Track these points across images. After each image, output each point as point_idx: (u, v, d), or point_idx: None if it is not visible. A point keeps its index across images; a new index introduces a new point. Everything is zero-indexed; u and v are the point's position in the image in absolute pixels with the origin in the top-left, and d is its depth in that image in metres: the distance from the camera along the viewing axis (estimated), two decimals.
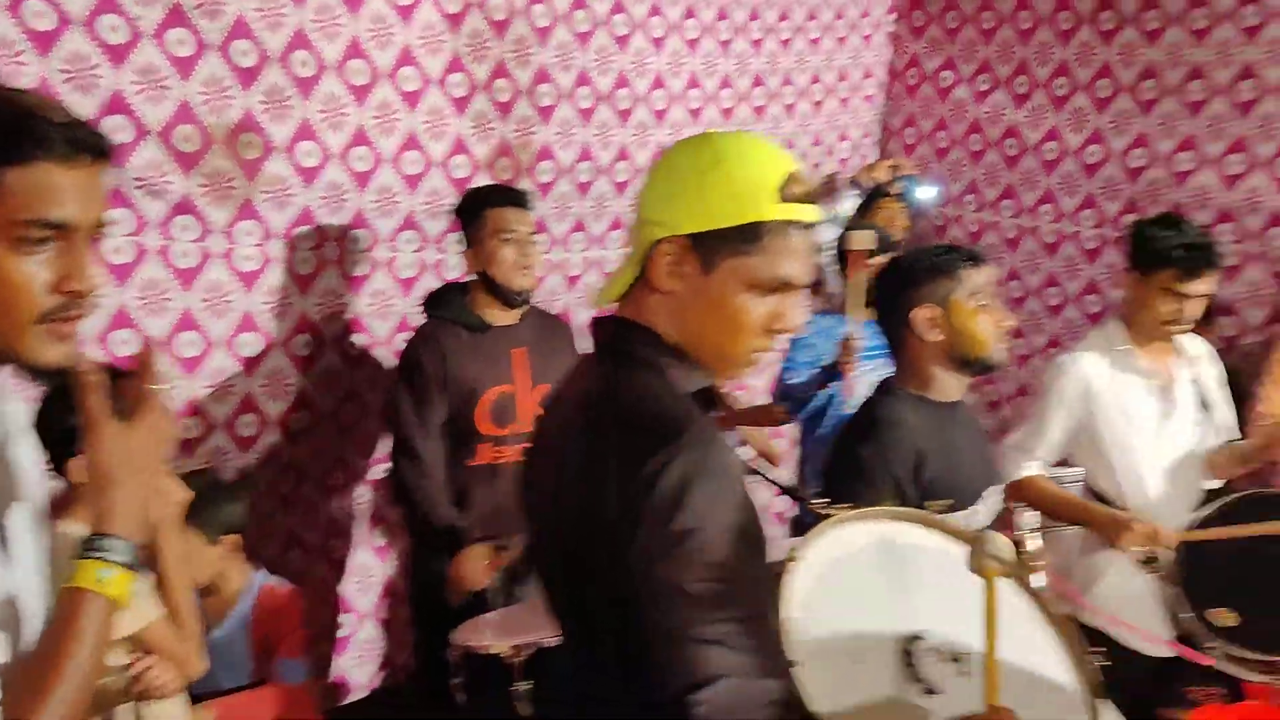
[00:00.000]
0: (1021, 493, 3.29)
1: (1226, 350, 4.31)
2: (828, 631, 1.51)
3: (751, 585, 1.35)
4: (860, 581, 1.62)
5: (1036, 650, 1.73)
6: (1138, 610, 3.16)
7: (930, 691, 1.52)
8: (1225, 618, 2.93)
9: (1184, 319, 3.15)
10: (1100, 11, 4.59)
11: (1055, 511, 3.26)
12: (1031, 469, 3.25)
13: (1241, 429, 3.43)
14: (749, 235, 1.42)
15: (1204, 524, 3.08)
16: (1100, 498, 3.26)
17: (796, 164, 1.46)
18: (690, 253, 1.44)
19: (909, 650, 1.55)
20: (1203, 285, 3.10)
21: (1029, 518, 3.80)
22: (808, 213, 1.44)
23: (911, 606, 1.61)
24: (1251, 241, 4.28)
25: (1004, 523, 3.74)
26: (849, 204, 4.87)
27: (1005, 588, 1.68)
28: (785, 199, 1.41)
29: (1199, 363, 3.32)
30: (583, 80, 4.19)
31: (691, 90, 4.55)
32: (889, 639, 1.56)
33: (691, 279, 1.44)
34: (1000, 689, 1.44)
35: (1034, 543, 3.79)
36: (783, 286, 1.44)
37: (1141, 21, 4.48)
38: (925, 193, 4.99)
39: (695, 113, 4.58)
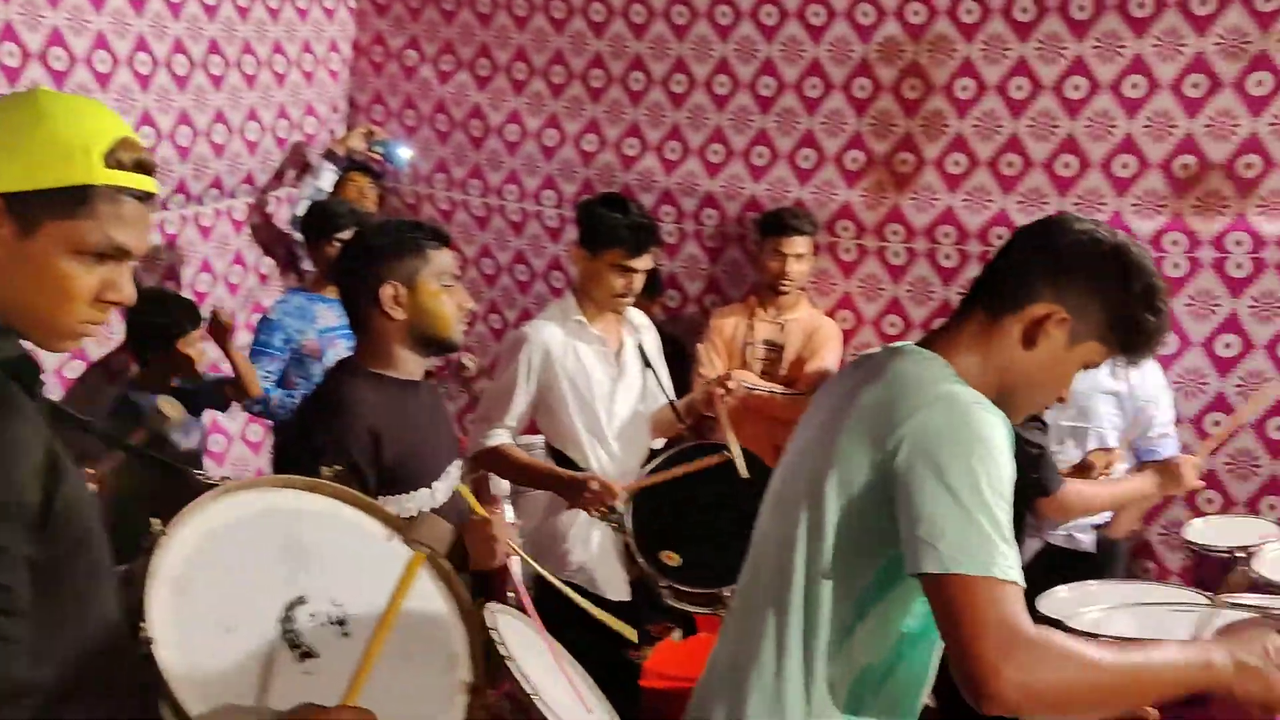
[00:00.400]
0: (490, 462, 3.43)
1: (671, 319, 4.77)
2: (203, 605, 1.48)
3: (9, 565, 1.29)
4: (246, 552, 1.58)
5: (424, 637, 1.80)
6: (603, 561, 3.43)
7: (307, 655, 1.53)
8: (671, 559, 3.26)
9: (631, 292, 3.42)
10: (551, 1, 4.84)
11: (521, 477, 3.44)
12: (499, 438, 3.38)
13: (685, 390, 3.80)
14: (75, 198, 1.34)
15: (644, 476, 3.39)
16: (563, 460, 3.46)
17: (129, 130, 1.40)
18: (6, 214, 1.34)
19: (290, 615, 1.55)
20: (646, 261, 3.39)
21: (502, 485, 3.99)
22: (142, 181, 1.39)
23: (301, 573, 1.60)
24: (688, 220, 4.74)
25: (480, 492, 3.90)
26: (328, 179, 4.78)
27: (424, 570, 1.76)
28: (115, 165, 1.35)
29: (642, 331, 3.63)
30: (8, 35, 3.76)
31: (140, 54, 4.23)
32: (269, 606, 1.55)
33: (9, 242, 1.34)
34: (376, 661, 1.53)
35: (507, 509, 3.97)
36: (114, 255, 1.38)
37: (589, 13, 4.79)
38: (405, 153, 5.02)
39: (145, 79, 4.27)
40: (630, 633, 2.73)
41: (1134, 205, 4.01)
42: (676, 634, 3.91)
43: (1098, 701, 1.56)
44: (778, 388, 4.18)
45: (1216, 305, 3.96)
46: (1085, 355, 1.71)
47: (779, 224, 4.28)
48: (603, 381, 3.46)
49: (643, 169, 4.79)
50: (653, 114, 4.75)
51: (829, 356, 4.26)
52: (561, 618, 2.67)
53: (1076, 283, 1.68)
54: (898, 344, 1.80)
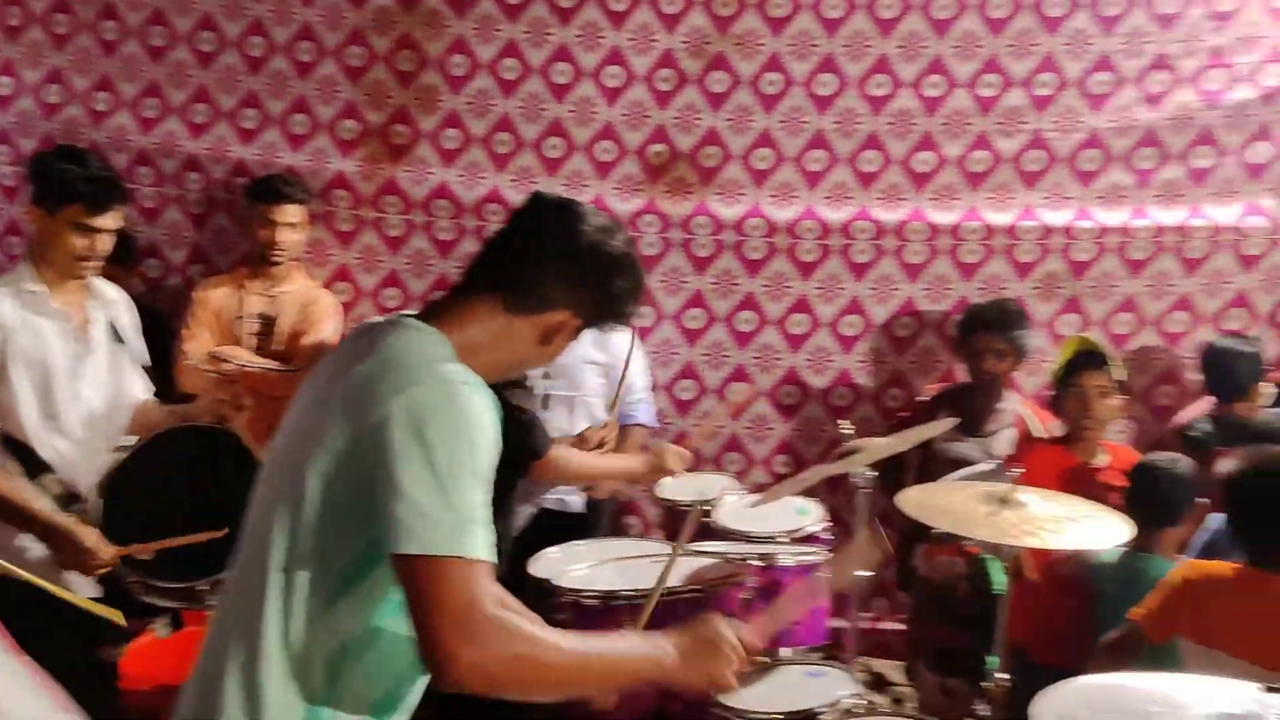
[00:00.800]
0: None
1: (151, 290, 4.42)
2: None
3: None
4: None
5: None
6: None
7: None
8: (141, 552, 3.04)
9: (95, 255, 3.11)
10: None
11: None
12: None
13: (167, 367, 3.54)
14: None
15: (119, 470, 3.13)
16: (21, 451, 3.10)
17: None
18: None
19: None
20: (110, 219, 3.09)
21: None
22: None
23: None
24: (170, 184, 4.42)
25: None
26: None
27: None
28: None
29: (115, 307, 3.33)
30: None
31: None
32: None
33: None
34: None
35: None
36: None
37: None
38: None
39: None
40: (116, 615, 2.55)
41: (615, 188, 4.28)
42: (162, 629, 3.65)
43: (552, 684, 1.64)
44: (272, 364, 4.00)
45: (684, 282, 4.34)
46: (570, 333, 1.84)
47: (270, 191, 4.10)
48: (65, 361, 3.12)
49: (115, 126, 4.39)
50: (128, 66, 4.36)
51: (326, 329, 4.15)
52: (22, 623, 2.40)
53: (590, 292, 1.79)
54: (395, 316, 1.79)
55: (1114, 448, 3.57)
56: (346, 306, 4.39)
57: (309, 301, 4.16)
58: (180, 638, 3.73)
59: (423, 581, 1.54)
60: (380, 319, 1.83)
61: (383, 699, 1.74)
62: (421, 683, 1.79)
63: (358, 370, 1.67)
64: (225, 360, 3.90)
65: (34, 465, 3.08)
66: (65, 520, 2.94)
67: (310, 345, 4.08)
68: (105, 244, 3.12)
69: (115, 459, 3.20)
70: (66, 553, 2.91)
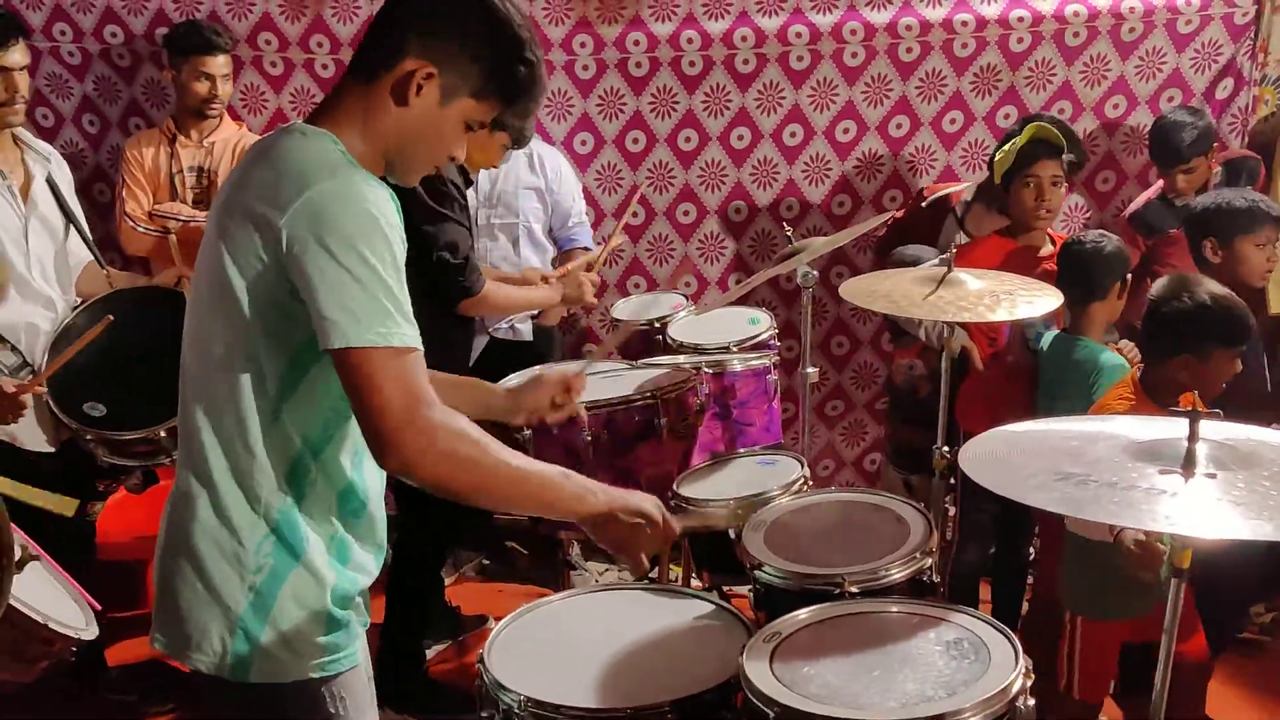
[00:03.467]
0: None
1: (94, 147, 4.36)
2: None
3: None
4: None
5: None
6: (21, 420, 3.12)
7: None
8: (95, 408, 3.07)
9: (16, 96, 3.06)
10: None
11: None
12: None
13: (107, 233, 3.49)
14: None
15: (64, 332, 3.13)
16: None
17: None
18: None
19: None
20: (15, 55, 3.05)
21: None
22: None
23: None
24: (91, 39, 4.27)
25: None
26: None
27: None
28: None
29: (51, 161, 3.27)
30: None
31: None
32: None
33: None
34: None
35: None
36: None
37: None
38: None
39: None
40: (67, 505, 2.59)
41: (544, 10, 4.17)
42: (132, 486, 3.71)
43: (488, 491, 1.68)
44: None
45: (623, 104, 4.29)
46: (464, 112, 1.73)
47: (200, 41, 3.91)
48: (12, 222, 3.09)
49: None
50: None
51: None
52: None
53: (443, 37, 1.69)
54: (288, 125, 1.76)
55: (1057, 236, 3.61)
56: None
57: (243, 146, 4.05)
58: (152, 492, 3.80)
59: (359, 373, 1.58)
60: (275, 130, 1.79)
61: (347, 500, 1.78)
62: (381, 479, 1.84)
63: (256, 179, 1.67)
64: (167, 217, 3.86)
65: None
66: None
67: None
68: (16, 82, 3.06)
69: (64, 321, 3.20)
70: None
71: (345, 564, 1.79)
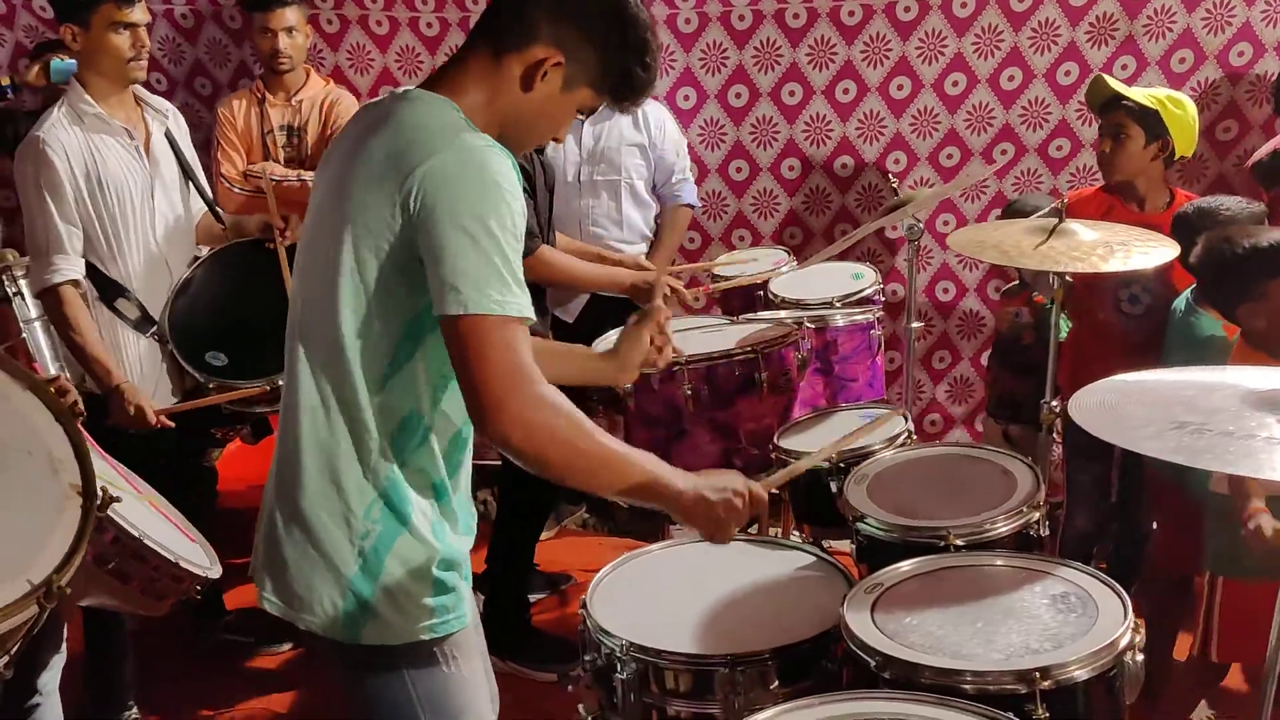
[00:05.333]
0: (53, 307, 3.05)
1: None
2: None
3: None
4: None
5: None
6: (148, 376, 3.24)
7: None
8: (216, 357, 3.18)
9: (140, 50, 3.10)
10: None
11: (74, 342, 3.06)
12: (66, 273, 3.03)
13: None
14: None
15: (184, 285, 3.26)
16: (102, 280, 3.15)
17: None
18: None
19: None
20: (141, 11, 3.09)
21: (28, 309, 3.65)
22: None
23: None
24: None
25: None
26: None
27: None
28: None
29: (169, 117, 3.33)
30: None
31: None
32: None
33: None
34: None
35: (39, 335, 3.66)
36: None
37: None
38: None
39: None
40: None
41: None
42: (246, 433, 3.83)
43: (581, 470, 1.66)
44: (307, 174, 3.98)
45: (725, 57, 4.26)
46: (579, 100, 1.76)
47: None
48: (136, 179, 3.16)
49: None
50: None
51: None
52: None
53: (575, 27, 1.70)
54: (403, 89, 1.76)
55: (1176, 191, 3.46)
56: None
57: (330, 102, 4.11)
58: (267, 441, 3.92)
59: (469, 339, 1.58)
60: (387, 94, 1.78)
61: (440, 480, 1.79)
62: (468, 468, 1.86)
63: (377, 143, 1.67)
64: (259, 176, 3.92)
65: (110, 289, 3.18)
66: (123, 381, 3.05)
67: None
68: (144, 37, 3.12)
69: (182, 276, 3.30)
70: (115, 408, 3.01)
71: (450, 529, 1.81)
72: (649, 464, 1.74)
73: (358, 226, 1.65)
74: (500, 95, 1.73)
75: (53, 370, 2.87)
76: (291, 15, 3.99)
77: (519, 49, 1.70)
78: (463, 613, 1.83)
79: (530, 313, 1.62)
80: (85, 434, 1.98)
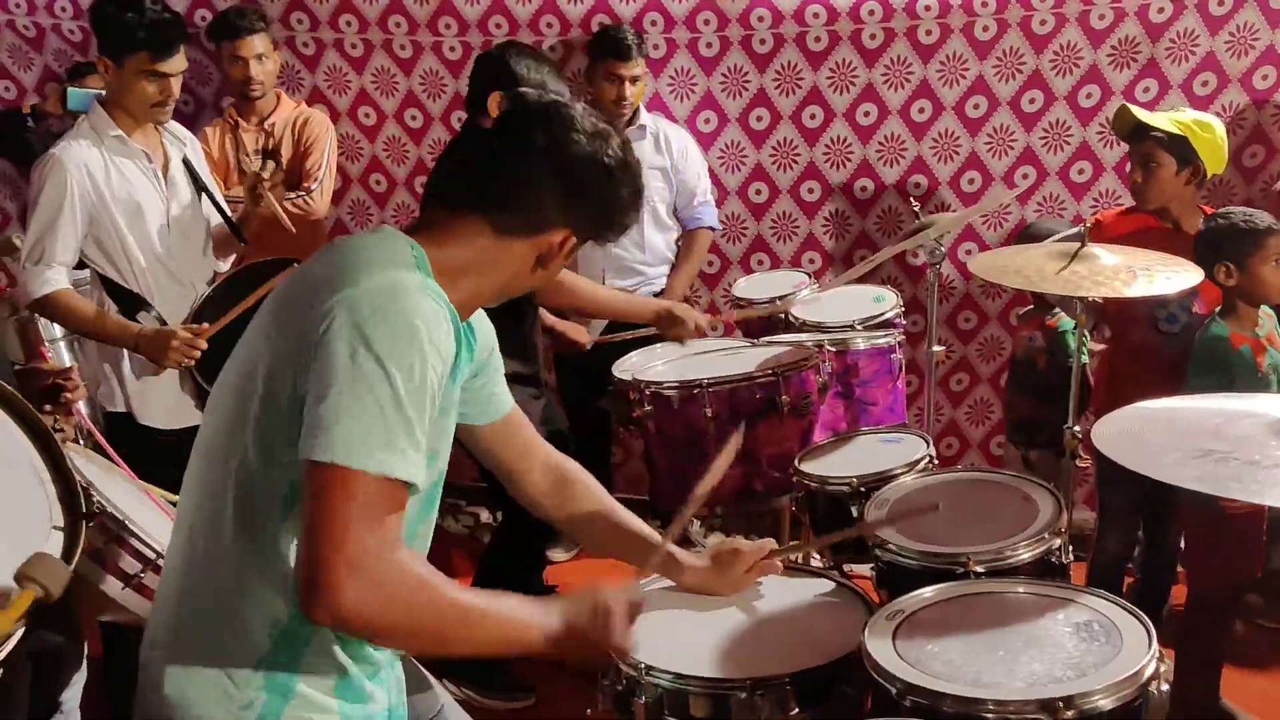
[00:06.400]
0: (51, 310, 3.15)
1: None
2: None
3: None
4: None
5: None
6: (163, 392, 3.29)
7: None
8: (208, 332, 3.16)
9: (168, 99, 3.18)
10: None
11: (88, 329, 3.19)
12: (56, 282, 3.10)
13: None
14: None
15: (207, 302, 3.27)
16: (118, 291, 3.23)
17: None
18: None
19: None
20: (177, 62, 3.15)
21: (53, 329, 3.69)
22: None
23: None
24: None
25: (29, 336, 3.58)
26: None
27: None
28: None
29: (186, 143, 3.42)
30: None
31: None
32: None
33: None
34: None
35: (62, 352, 3.70)
36: None
37: None
38: None
39: None
40: None
41: None
42: None
43: (432, 636, 1.51)
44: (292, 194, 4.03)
45: (746, 81, 4.27)
46: (570, 251, 1.72)
47: (227, 27, 4.05)
48: (154, 200, 3.25)
49: None
50: None
51: (324, 145, 4.17)
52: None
53: (583, 202, 1.66)
54: (379, 228, 1.67)
55: (1208, 211, 3.45)
56: (370, 131, 4.45)
57: (302, 123, 4.17)
58: None
59: (327, 495, 1.39)
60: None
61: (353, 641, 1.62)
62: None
63: (314, 268, 1.57)
64: (235, 201, 3.88)
65: (132, 303, 3.24)
66: (156, 328, 3.14)
67: (314, 166, 4.10)
68: (175, 87, 3.19)
69: (202, 293, 3.34)
70: (154, 352, 3.09)
71: (350, 699, 1.64)
72: (508, 610, 1.59)
73: (269, 351, 1.53)
74: (502, 269, 1.66)
75: (84, 412, 2.91)
76: (259, 43, 4.04)
77: (531, 234, 1.65)
78: None
79: (413, 476, 1.44)
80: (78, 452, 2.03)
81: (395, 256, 1.52)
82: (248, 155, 4.10)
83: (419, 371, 1.43)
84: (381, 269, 1.49)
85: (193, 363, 3.11)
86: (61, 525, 1.90)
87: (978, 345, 4.46)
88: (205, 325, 3.14)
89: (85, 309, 3.15)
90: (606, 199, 1.67)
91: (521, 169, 1.63)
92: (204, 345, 3.09)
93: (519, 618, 1.60)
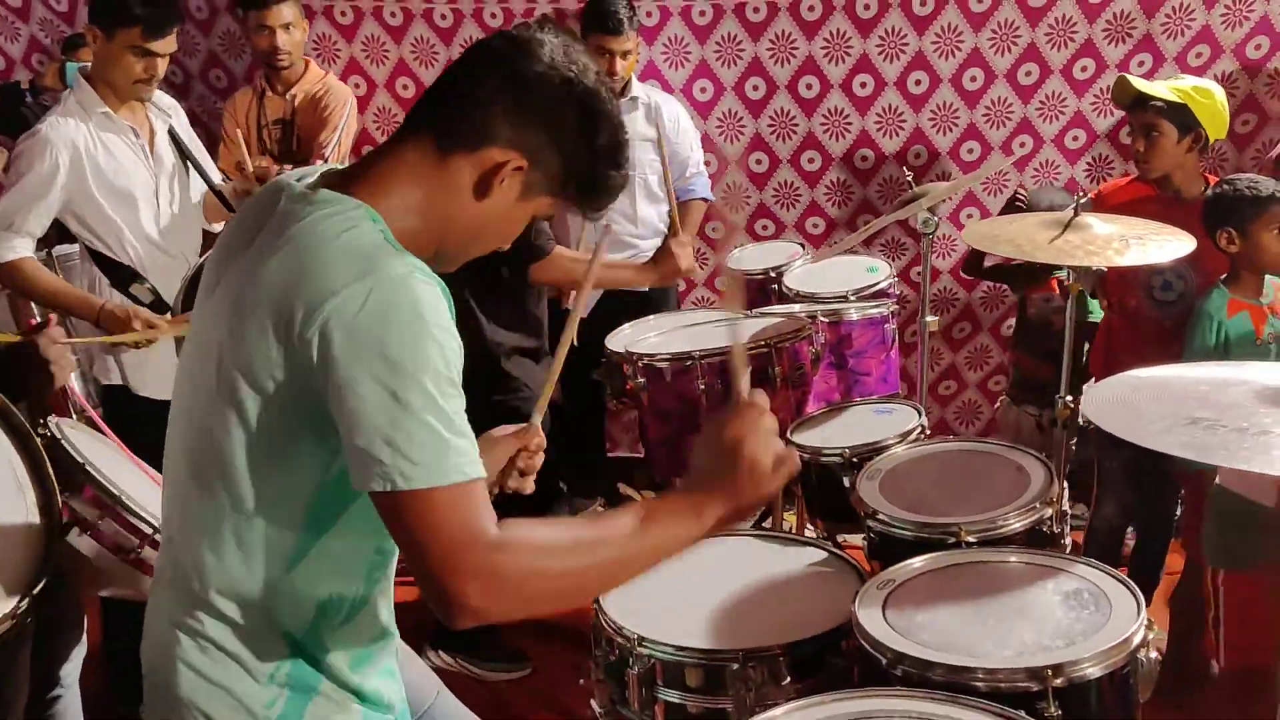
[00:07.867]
0: (10, 279, 3.15)
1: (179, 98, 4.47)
2: None
3: None
4: None
5: None
6: (157, 365, 3.26)
7: None
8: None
9: (154, 78, 3.16)
10: None
11: (49, 301, 3.17)
12: (21, 250, 3.09)
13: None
14: None
15: (199, 274, 3.25)
16: (107, 264, 3.23)
17: None
18: None
19: None
20: (168, 43, 3.13)
21: None
22: None
23: None
24: None
25: (22, 310, 3.58)
26: None
27: None
28: None
29: (171, 113, 3.40)
30: None
31: None
32: None
33: None
34: None
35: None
36: None
37: None
38: None
39: None
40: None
41: None
42: None
43: (575, 591, 1.44)
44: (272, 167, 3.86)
45: (741, 50, 4.25)
46: (537, 208, 1.51)
47: None
48: (142, 175, 3.24)
49: None
50: None
51: (336, 122, 4.05)
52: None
53: (539, 129, 1.44)
54: (304, 189, 1.45)
55: (1210, 179, 3.43)
56: (362, 101, 4.37)
57: (323, 93, 4.09)
58: None
59: (410, 518, 1.31)
60: (283, 186, 1.47)
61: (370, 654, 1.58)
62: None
63: (273, 267, 1.36)
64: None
65: (124, 276, 3.23)
66: (107, 301, 3.11)
67: (325, 142, 4.00)
68: (161, 67, 3.17)
69: (195, 264, 3.33)
70: (114, 325, 3.04)
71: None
72: (660, 524, 1.44)
73: (253, 375, 1.37)
74: (443, 199, 1.45)
75: (77, 387, 2.91)
76: (288, 11, 3.97)
77: (471, 149, 1.43)
78: None
79: (477, 468, 1.33)
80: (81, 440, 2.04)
81: (361, 239, 1.35)
82: (268, 125, 4.06)
83: (439, 361, 1.31)
84: (356, 260, 1.32)
85: (149, 345, 3.08)
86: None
87: (981, 293, 4.48)
88: (175, 317, 3.10)
89: (47, 279, 3.13)
90: (568, 129, 1.44)
91: (471, 78, 1.45)
92: (163, 333, 3.05)
93: (673, 524, 1.44)
